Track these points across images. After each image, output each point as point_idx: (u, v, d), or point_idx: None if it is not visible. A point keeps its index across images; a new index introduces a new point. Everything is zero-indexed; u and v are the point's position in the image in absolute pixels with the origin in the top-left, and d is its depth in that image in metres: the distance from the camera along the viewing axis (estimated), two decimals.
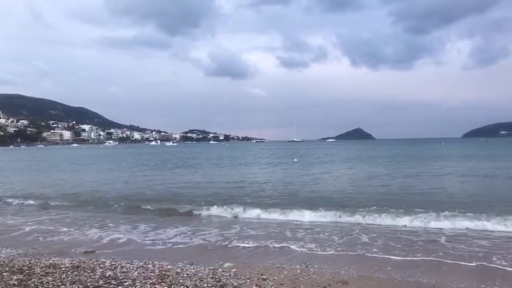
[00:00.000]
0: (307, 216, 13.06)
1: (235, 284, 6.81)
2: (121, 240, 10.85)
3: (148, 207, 15.98)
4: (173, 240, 10.77)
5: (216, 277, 7.20)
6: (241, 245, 10.13)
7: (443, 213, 12.55)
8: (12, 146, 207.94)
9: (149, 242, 10.62)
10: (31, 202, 18.04)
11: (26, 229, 12.31)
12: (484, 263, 8.35)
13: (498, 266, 8.20)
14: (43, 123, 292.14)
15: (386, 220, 12.31)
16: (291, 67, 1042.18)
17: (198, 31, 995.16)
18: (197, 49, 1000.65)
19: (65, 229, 12.24)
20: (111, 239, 10.97)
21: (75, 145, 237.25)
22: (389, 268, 8.23)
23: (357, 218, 12.60)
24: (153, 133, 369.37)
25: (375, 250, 9.51)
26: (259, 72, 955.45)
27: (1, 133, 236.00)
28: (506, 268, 8.04)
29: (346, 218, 12.73)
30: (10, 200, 18.73)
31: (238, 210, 14.17)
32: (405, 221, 12.07)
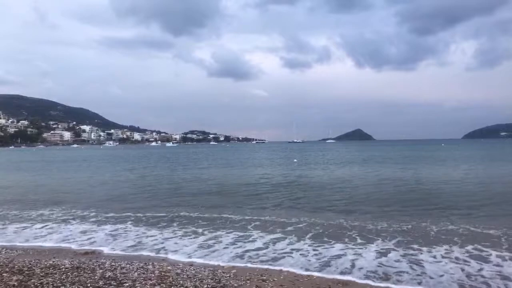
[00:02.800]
0: None
1: (235, 285, 6.81)
2: None
3: None
4: None
5: (216, 278, 7.20)
6: None
7: None
8: (12, 147, 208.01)
9: None
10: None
11: None
12: None
13: None
14: (43, 124, 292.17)
15: None
16: (294, 68, 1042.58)
17: (204, 31, 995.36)
18: (200, 49, 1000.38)
19: None
20: None
21: (75, 145, 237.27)
22: None
23: None
24: (153, 133, 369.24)
25: None
26: (262, 72, 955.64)
27: (1, 134, 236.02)
28: None
29: None
30: None
31: None
32: None
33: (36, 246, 10.17)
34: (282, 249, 9.48)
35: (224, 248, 9.72)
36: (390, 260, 8.53)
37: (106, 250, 9.72)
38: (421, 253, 8.97)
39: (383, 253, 9.02)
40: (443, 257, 8.70)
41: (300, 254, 9.07)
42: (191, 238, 10.72)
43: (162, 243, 10.30)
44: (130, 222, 12.99)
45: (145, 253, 9.41)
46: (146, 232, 11.57)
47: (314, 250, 9.42)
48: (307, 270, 7.96)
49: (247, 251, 9.42)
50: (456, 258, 8.63)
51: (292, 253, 9.19)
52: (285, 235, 10.87)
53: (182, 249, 9.67)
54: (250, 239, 10.55)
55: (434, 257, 8.71)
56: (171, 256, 9.03)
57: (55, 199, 18.61)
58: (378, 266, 8.19)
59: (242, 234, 11.08)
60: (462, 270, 7.88)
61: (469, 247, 9.39)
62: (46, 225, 12.81)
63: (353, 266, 8.21)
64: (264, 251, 9.39)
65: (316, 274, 7.74)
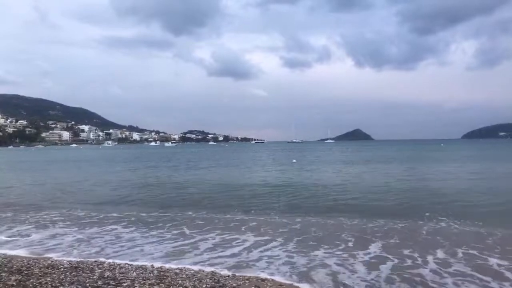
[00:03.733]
0: None
1: (234, 285, 6.80)
2: None
3: None
4: None
5: (215, 277, 7.19)
6: None
7: None
8: (11, 147, 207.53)
9: None
10: None
11: None
12: None
13: None
14: (42, 124, 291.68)
15: None
16: (294, 68, 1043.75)
17: (204, 30, 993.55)
18: (200, 49, 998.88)
19: None
20: None
21: (74, 145, 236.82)
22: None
23: None
24: (152, 133, 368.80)
25: None
26: (262, 72, 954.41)
27: (0, 134, 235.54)
28: None
29: None
30: None
31: None
32: None
33: None
34: (257, 256, 8.95)
35: (197, 254, 9.15)
36: (381, 276, 7.58)
37: (55, 257, 8.93)
38: (424, 267, 8.07)
39: (374, 265, 8.19)
40: (450, 273, 7.67)
41: (267, 262, 8.43)
42: (171, 242, 10.30)
43: (131, 248, 9.78)
44: (124, 223, 12.83)
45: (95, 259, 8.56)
46: (125, 235, 11.13)
47: (289, 257, 8.81)
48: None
49: (217, 257, 8.90)
50: (470, 276, 7.52)
51: (261, 260, 8.62)
52: (273, 237, 10.61)
53: (144, 256, 9.03)
54: (233, 243, 10.12)
55: (439, 273, 7.71)
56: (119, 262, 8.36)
57: (56, 200, 18.54)
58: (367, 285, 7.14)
59: (230, 236, 10.82)
60: None
61: (479, 258, 8.61)
62: (26, 229, 12.23)
63: (337, 281, 7.28)
64: (233, 258, 8.77)
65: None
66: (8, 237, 11.25)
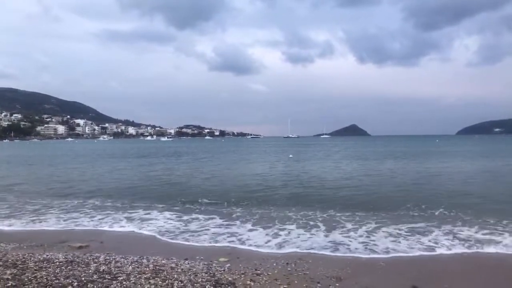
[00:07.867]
0: None
1: (230, 279, 6.83)
2: None
3: None
4: None
5: (211, 272, 7.22)
6: None
7: None
8: (6, 140, 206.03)
9: None
10: None
11: None
12: None
13: None
14: (37, 117, 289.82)
15: None
16: (296, 63, 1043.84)
17: (209, 24, 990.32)
18: (202, 43, 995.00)
19: None
20: None
21: (69, 139, 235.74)
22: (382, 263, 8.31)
23: None
24: (148, 128, 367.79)
25: None
26: (264, 67, 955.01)
27: None
28: None
29: None
30: None
31: None
32: None
33: None
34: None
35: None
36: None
37: None
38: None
39: None
40: None
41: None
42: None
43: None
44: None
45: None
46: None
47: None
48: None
49: None
50: None
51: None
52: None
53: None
54: None
55: None
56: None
57: (91, 191, 18.91)
58: None
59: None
60: None
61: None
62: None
63: None
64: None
65: None
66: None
